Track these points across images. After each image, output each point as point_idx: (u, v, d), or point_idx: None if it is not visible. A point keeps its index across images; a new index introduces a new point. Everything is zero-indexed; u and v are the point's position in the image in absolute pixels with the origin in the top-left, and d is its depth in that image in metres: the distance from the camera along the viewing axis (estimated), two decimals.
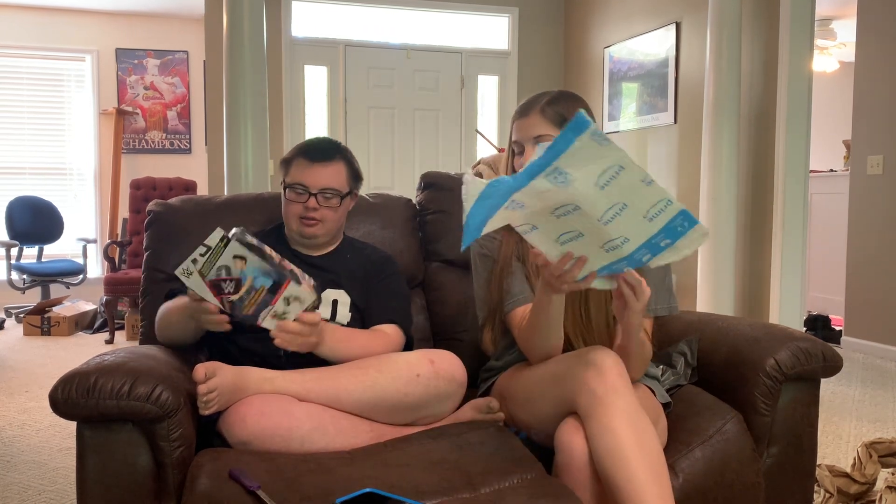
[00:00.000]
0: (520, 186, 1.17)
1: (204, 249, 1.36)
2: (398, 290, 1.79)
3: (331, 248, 1.80)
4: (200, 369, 1.36)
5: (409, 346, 1.75)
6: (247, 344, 1.61)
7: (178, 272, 1.37)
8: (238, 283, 1.39)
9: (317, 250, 1.77)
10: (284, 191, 1.71)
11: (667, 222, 1.19)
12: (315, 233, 1.70)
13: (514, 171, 1.63)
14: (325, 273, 1.73)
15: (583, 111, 1.12)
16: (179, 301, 1.57)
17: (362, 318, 1.74)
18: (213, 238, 1.36)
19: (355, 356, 1.55)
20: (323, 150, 1.71)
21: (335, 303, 1.71)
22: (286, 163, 1.74)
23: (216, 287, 1.38)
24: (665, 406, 1.59)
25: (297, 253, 1.76)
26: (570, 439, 1.32)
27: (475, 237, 1.22)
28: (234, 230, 1.40)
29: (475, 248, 1.70)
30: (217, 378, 1.37)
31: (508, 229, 1.60)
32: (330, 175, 1.69)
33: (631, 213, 1.19)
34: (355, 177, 1.77)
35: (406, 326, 1.75)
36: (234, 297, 1.39)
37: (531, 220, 1.23)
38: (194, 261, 1.37)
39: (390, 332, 1.70)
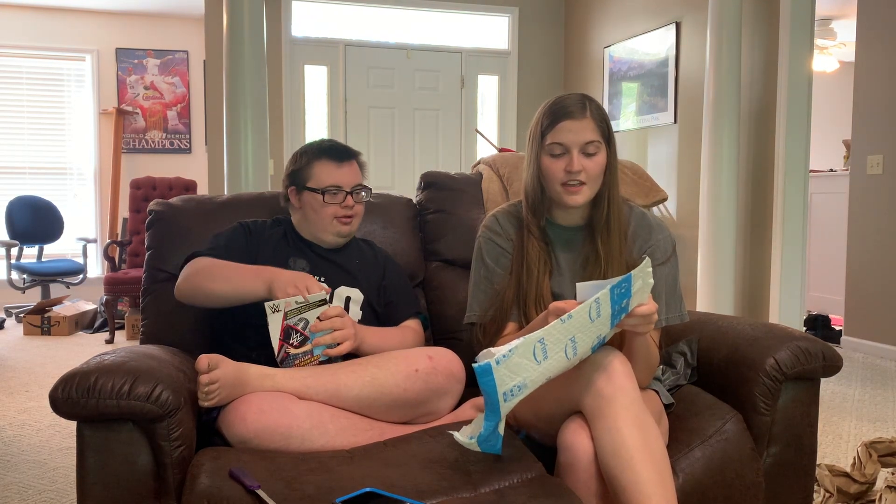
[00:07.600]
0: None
1: (301, 299, 1.47)
2: (407, 282, 1.89)
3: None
4: (203, 359, 1.37)
5: (424, 328, 1.87)
6: (254, 344, 1.61)
7: (267, 305, 1.47)
8: (304, 341, 1.50)
9: (334, 245, 1.79)
10: (316, 194, 1.71)
11: (610, 308, 1.25)
12: (351, 229, 1.77)
13: (541, 177, 1.52)
14: (340, 269, 1.74)
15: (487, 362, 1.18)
16: (248, 268, 1.58)
17: (375, 316, 1.76)
18: (317, 296, 1.49)
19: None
20: (342, 151, 1.76)
21: (348, 300, 1.73)
22: (302, 168, 1.74)
23: (286, 333, 1.49)
24: (668, 406, 1.59)
25: (313, 246, 1.77)
26: (574, 439, 1.32)
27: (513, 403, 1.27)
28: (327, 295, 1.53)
29: (479, 251, 1.65)
30: (219, 370, 1.37)
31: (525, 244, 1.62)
32: (357, 172, 1.77)
33: (582, 337, 1.25)
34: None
35: (424, 316, 1.87)
36: (292, 351, 1.49)
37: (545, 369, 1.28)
38: (287, 303, 1.47)
39: (415, 326, 1.80)
